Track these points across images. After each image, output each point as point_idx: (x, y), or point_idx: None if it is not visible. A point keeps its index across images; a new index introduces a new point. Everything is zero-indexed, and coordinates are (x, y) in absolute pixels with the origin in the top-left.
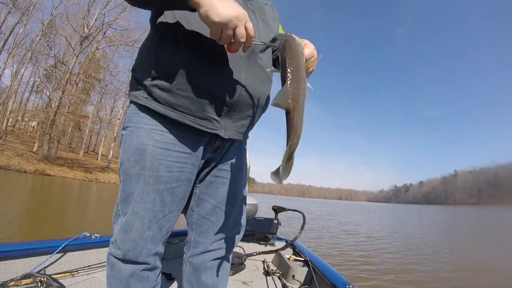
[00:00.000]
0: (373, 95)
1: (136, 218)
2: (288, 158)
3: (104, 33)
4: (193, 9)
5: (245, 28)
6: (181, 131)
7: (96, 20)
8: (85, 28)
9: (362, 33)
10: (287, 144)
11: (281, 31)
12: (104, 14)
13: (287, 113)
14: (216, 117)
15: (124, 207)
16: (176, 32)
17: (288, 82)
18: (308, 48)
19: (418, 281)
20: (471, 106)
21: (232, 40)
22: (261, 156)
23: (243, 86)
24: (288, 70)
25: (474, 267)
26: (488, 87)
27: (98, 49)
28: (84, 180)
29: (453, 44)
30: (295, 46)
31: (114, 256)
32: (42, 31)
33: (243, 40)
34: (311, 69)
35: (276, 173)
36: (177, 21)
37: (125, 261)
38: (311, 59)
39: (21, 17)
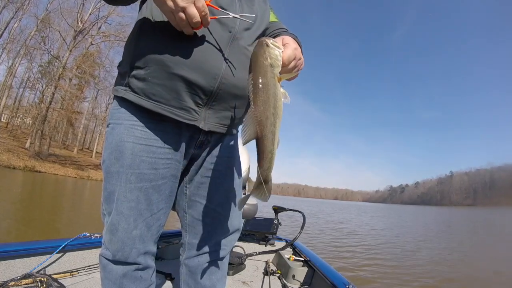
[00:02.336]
0: (371, 95)
1: (121, 217)
2: (260, 183)
3: (99, 28)
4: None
5: (196, 7)
6: (162, 126)
7: (90, 14)
8: (79, 23)
9: (360, 34)
10: (258, 170)
11: (273, 18)
12: (99, 8)
13: (256, 139)
14: (194, 107)
15: (107, 207)
16: (154, 20)
17: (252, 106)
18: (286, 52)
19: (380, 272)
20: (468, 108)
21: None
22: (252, 154)
23: (223, 74)
24: (252, 89)
25: (452, 264)
26: (485, 89)
27: (92, 44)
28: (76, 177)
29: (451, 46)
30: (261, 58)
31: (104, 257)
32: (37, 26)
33: (196, 19)
34: (293, 74)
35: (257, 195)
36: (153, 9)
37: (115, 262)
38: (292, 63)
39: (16, 12)
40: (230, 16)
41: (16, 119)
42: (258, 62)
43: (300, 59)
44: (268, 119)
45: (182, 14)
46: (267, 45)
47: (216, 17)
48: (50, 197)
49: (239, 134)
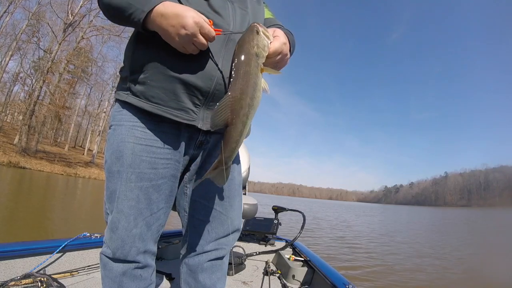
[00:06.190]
0: (366, 96)
1: (121, 216)
2: (216, 168)
3: (91, 22)
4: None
5: (203, 34)
6: (162, 127)
7: (81, 7)
8: (69, 15)
9: (356, 35)
10: (220, 155)
11: (268, 15)
12: (91, 0)
13: (225, 126)
14: (192, 108)
15: (110, 205)
16: None
17: (229, 92)
18: (274, 44)
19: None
20: (464, 110)
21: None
22: (252, 154)
23: (219, 74)
24: (234, 75)
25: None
26: (482, 90)
27: (83, 38)
28: (62, 174)
29: (447, 48)
30: (248, 45)
31: (105, 255)
32: (28, 20)
33: (204, 46)
34: (276, 70)
35: (213, 178)
36: None
37: (115, 259)
38: (277, 57)
39: (8, 6)
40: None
41: (7, 115)
42: (244, 48)
43: (286, 55)
44: (243, 108)
45: (192, 46)
46: (257, 33)
47: (221, 31)
48: (25, 193)
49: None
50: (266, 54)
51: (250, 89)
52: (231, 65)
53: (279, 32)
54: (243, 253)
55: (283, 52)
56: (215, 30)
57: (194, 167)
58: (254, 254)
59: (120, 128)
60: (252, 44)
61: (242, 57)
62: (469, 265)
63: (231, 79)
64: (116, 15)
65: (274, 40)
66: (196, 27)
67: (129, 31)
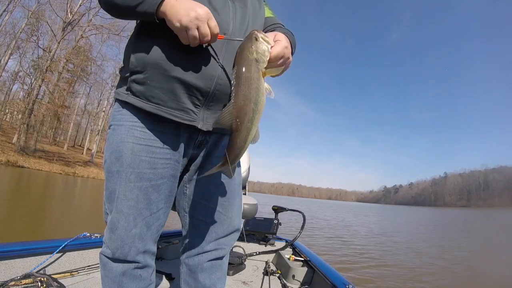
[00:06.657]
0: (366, 96)
1: (121, 216)
2: (222, 166)
3: (90, 20)
4: (160, 19)
5: (209, 26)
6: (162, 127)
7: (80, 5)
8: (69, 14)
9: (356, 35)
10: (225, 158)
11: (268, 14)
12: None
13: (230, 132)
14: (192, 108)
15: (109, 205)
16: (152, 24)
17: (233, 99)
18: (275, 49)
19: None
20: (463, 110)
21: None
22: (252, 154)
23: (220, 74)
24: (234, 82)
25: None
26: (481, 91)
27: (83, 37)
28: (60, 173)
29: (447, 48)
30: (246, 51)
31: (104, 255)
32: (28, 19)
33: (207, 38)
34: (278, 71)
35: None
36: None
37: (114, 259)
38: (279, 61)
39: (8, 5)
40: (238, 39)
41: (6, 114)
42: (243, 55)
43: (288, 58)
44: (247, 115)
45: (195, 32)
46: (256, 39)
47: (224, 36)
48: (23, 192)
49: None
50: (267, 59)
51: (253, 94)
52: (232, 73)
53: (280, 36)
54: (243, 253)
55: (284, 56)
56: (219, 38)
57: (193, 167)
58: (254, 254)
59: (119, 128)
60: (251, 51)
61: (242, 64)
62: (468, 265)
63: (234, 87)
64: (125, 3)
65: (276, 44)
66: (206, 16)
67: (128, 30)
